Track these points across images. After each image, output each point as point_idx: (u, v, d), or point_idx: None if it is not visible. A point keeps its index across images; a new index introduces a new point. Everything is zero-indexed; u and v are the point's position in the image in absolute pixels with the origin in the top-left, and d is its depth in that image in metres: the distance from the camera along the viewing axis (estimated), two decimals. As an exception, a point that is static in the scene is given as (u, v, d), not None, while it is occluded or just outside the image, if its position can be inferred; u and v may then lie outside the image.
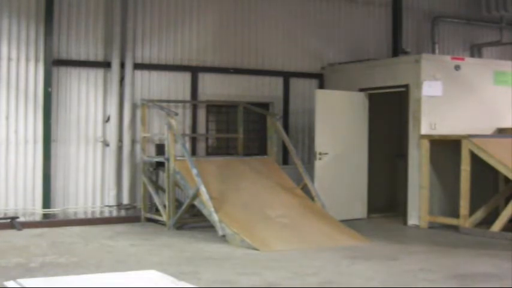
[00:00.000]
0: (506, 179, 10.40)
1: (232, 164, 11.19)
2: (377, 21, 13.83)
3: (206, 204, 9.58)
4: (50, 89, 10.87)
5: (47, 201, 10.87)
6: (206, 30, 12.25)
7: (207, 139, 12.42)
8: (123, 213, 11.37)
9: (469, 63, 11.65)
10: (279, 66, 12.86)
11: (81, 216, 11.07)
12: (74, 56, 11.23)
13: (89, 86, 11.36)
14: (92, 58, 11.36)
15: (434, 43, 14.27)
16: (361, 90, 12.04)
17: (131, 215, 11.23)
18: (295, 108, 12.92)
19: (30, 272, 7.04)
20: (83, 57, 11.30)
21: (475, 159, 10.23)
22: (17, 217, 10.38)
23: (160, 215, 10.71)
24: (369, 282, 6.90)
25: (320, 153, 11.49)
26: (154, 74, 11.84)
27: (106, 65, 11.42)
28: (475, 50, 14.96)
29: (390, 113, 12.33)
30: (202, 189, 9.65)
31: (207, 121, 12.32)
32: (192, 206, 10.26)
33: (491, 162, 10.05)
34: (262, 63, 12.73)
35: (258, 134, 12.63)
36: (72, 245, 8.85)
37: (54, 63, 10.97)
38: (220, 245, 8.97)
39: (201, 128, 12.21)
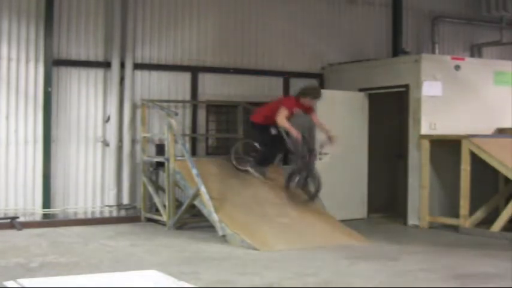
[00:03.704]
0: (506, 179, 10.39)
1: (232, 164, 11.18)
2: (377, 21, 13.83)
3: (206, 204, 9.58)
4: (50, 89, 10.87)
5: (47, 201, 10.88)
6: (206, 30, 12.25)
7: (207, 139, 12.42)
8: (123, 213, 11.37)
9: (469, 63, 11.65)
10: (279, 66, 12.86)
11: (81, 216, 11.07)
12: (74, 56, 11.24)
13: (89, 86, 11.36)
14: (92, 58, 11.36)
15: (434, 43, 14.28)
16: (361, 90, 12.04)
17: (131, 215, 11.24)
18: (295, 108, 12.90)
19: (30, 272, 7.04)
20: (83, 57, 11.30)
21: (475, 159, 10.23)
22: (17, 217, 10.38)
23: (160, 215, 10.71)
24: (368, 282, 6.90)
25: (320, 153, 11.47)
26: (154, 74, 11.84)
27: (106, 65, 11.42)
28: (475, 50, 14.95)
29: (390, 113, 12.32)
30: (203, 189, 9.65)
31: (207, 121, 12.32)
32: (192, 206, 10.25)
33: (491, 162, 10.05)
34: (262, 63, 12.73)
35: (258, 134, 12.61)
36: (72, 245, 8.85)
37: (54, 63, 10.97)
38: (220, 245, 8.97)
39: (201, 128, 12.21)
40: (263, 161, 10.64)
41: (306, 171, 10.08)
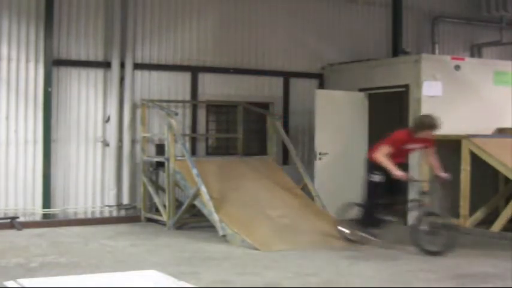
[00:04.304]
0: (506, 179, 10.40)
1: (232, 164, 11.20)
2: (377, 21, 13.83)
3: (206, 204, 9.58)
4: (50, 89, 10.87)
5: (47, 201, 10.87)
6: (206, 30, 12.25)
7: (207, 139, 12.43)
8: (123, 213, 11.37)
9: (469, 63, 11.65)
10: (279, 66, 12.86)
11: (81, 216, 11.07)
12: (74, 56, 11.24)
13: (89, 86, 11.36)
14: (91, 58, 11.36)
15: (434, 43, 14.28)
16: (361, 90, 12.04)
17: (131, 215, 11.23)
18: (295, 108, 12.91)
19: (30, 272, 7.04)
20: (82, 57, 11.30)
21: (475, 159, 10.22)
22: (17, 217, 10.38)
23: (160, 215, 10.71)
24: (368, 282, 6.90)
25: (320, 153, 11.49)
26: (154, 74, 11.84)
27: (106, 65, 11.42)
28: (475, 50, 14.95)
29: (390, 113, 12.31)
30: (203, 189, 9.65)
31: (207, 121, 12.33)
32: (192, 206, 10.26)
33: (491, 162, 10.04)
34: (262, 63, 12.73)
35: (258, 134, 12.63)
36: (72, 245, 8.85)
37: (54, 63, 10.97)
38: (221, 245, 8.97)
39: (201, 128, 12.21)
40: (368, 219, 8.88)
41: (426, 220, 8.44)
